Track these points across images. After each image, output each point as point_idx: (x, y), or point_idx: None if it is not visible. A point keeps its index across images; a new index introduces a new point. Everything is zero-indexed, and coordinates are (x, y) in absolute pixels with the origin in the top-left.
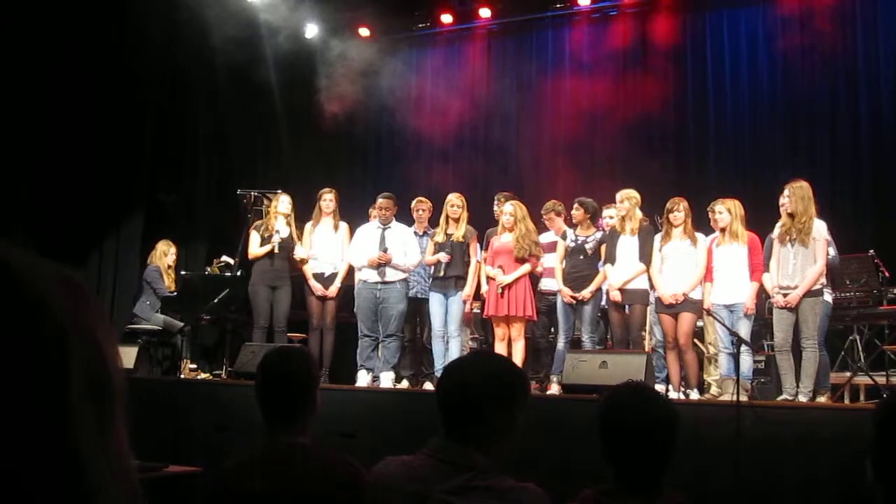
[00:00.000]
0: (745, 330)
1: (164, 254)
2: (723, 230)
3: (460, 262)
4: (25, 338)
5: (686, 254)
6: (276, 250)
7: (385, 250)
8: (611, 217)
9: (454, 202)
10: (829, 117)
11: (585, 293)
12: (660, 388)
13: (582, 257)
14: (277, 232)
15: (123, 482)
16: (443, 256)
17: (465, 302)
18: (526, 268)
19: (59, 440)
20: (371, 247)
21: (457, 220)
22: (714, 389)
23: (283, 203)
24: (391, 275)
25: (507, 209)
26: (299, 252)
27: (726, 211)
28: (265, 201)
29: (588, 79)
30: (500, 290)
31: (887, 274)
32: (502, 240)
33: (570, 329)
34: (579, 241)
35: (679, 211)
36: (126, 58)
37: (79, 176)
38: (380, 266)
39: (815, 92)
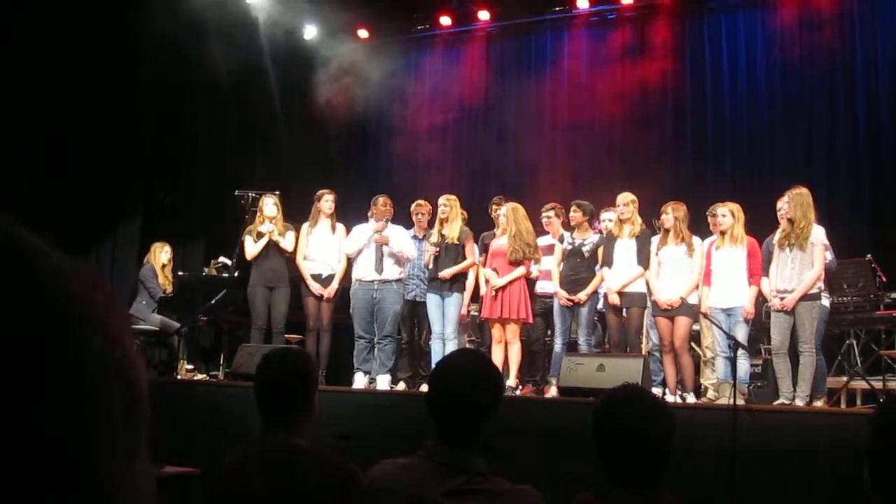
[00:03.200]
0: (742, 334)
1: (159, 251)
2: (723, 233)
3: (453, 263)
4: (67, 360)
5: (680, 259)
6: (274, 238)
7: (381, 246)
8: (609, 220)
9: (442, 203)
10: (827, 122)
11: (582, 296)
12: (656, 391)
13: (579, 260)
14: (269, 224)
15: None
16: (430, 248)
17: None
18: (520, 270)
19: (90, 472)
20: (367, 248)
21: (446, 220)
22: (710, 393)
23: (268, 206)
24: (388, 273)
25: (503, 211)
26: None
27: (729, 214)
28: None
29: (586, 82)
30: (494, 293)
31: (884, 278)
32: (499, 242)
33: (566, 331)
34: (576, 244)
35: (665, 213)
36: (125, 59)
37: (77, 177)
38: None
39: (812, 96)
